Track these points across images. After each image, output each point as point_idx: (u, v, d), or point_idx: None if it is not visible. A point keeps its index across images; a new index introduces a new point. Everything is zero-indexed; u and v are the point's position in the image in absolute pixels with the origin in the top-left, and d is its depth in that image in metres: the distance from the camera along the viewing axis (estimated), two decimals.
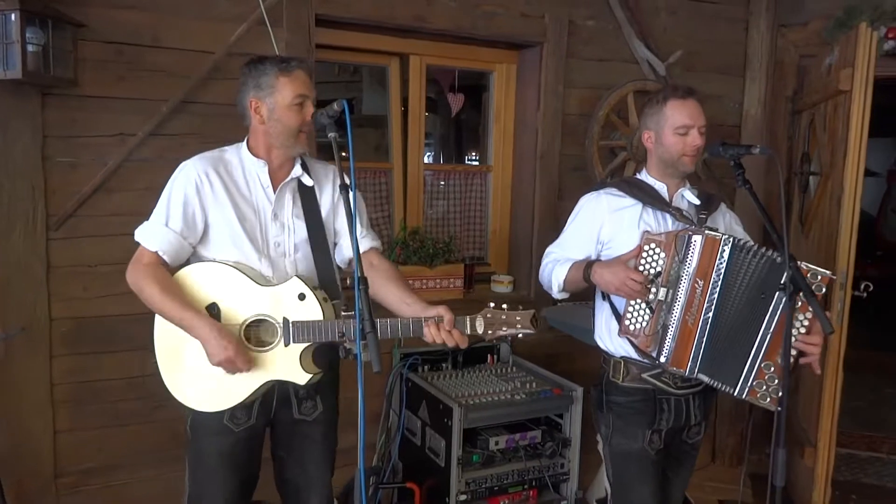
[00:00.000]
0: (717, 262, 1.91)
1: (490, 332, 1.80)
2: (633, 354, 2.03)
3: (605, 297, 2.09)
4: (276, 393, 1.89)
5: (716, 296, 1.91)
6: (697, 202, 2.07)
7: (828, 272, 1.89)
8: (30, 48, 2.18)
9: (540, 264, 2.18)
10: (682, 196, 2.09)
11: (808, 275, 1.86)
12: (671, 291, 1.93)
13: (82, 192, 2.46)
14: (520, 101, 3.43)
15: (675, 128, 2.00)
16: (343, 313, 1.73)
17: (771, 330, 1.89)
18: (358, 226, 2.00)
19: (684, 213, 2.02)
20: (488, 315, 1.80)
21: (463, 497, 2.64)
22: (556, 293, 2.11)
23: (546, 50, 3.22)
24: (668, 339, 1.94)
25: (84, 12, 2.37)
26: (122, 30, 2.45)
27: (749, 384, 1.92)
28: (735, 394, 1.93)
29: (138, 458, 2.63)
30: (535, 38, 3.21)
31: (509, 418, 2.77)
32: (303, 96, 1.82)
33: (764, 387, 1.92)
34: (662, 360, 1.95)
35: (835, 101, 2.98)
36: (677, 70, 3.45)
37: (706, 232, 1.93)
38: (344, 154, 1.67)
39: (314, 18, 2.74)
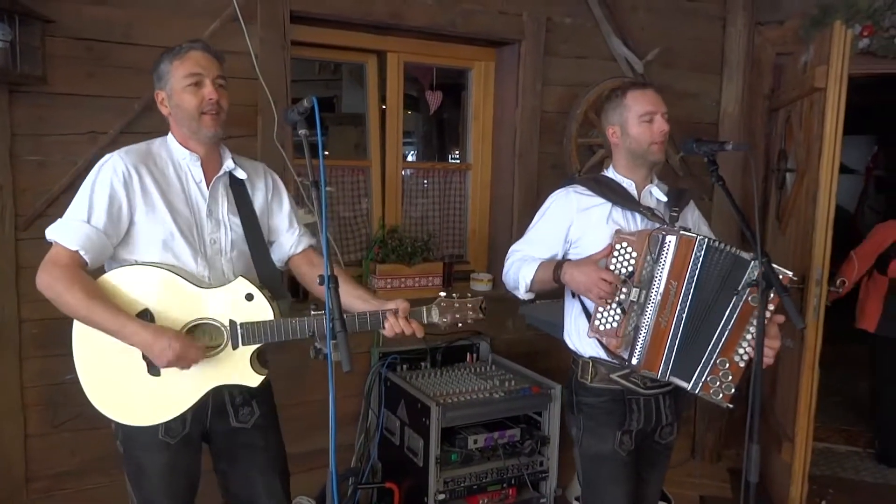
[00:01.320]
0: (692, 263, 1.88)
1: (445, 319, 1.81)
2: (602, 355, 2.00)
3: (575, 295, 2.06)
4: (210, 402, 1.80)
5: (689, 297, 1.89)
6: (665, 199, 2.07)
7: (789, 272, 1.89)
8: None
9: None
10: (651, 193, 2.08)
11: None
12: (644, 292, 1.89)
13: (52, 192, 2.41)
14: (498, 98, 3.42)
15: (639, 116, 1.99)
16: (312, 312, 1.70)
17: (730, 326, 1.89)
18: (295, 223, 1.98)
19: (655, 211, 2.01)
20: (442, 304, 1.81)
21: (442, 496, 2.63)
22: (523, 293, 2.05)
23: (524, 48, 3.22)
24: (639, 341, 1.91)
25: (53, 7, 2.33)
26: (92, 26, 2.41)
27: (703, 379, 1.92)
28: (689, 389, 1.93)
29: (112, 461, 2.57)
30: (513, 36, 3.21)
31: (488, 417, 2.76)
32: (196, 75, 1.73)
33: (717, 382, 1.92)
34: (634, 362, 1.91)
35: (810, 99, 3.00)
36: (655, 67, 3.46)
37: (681, 232, 1.90)
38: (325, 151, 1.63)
39: (289, 15, 2.71)
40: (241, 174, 1.86)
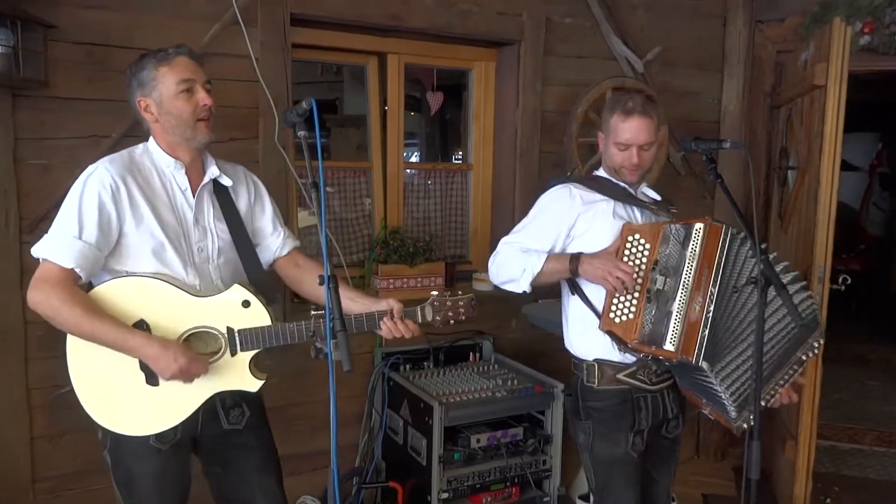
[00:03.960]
0: (720, 250, 1.92)
1: (438, 317, 1.83)
2: (607, 355, 1.99)
3: (576, 292, 2.05)
4: (201, 407, 1.77)
5: (718, 284, 1.90)
6: (658, 198, 2.10)
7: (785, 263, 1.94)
8: None
9: None
10: (644, 193, 2.12)
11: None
12: (670, 280, 1.90)
13: (56, 195, 2.42)
14: (499, 99, 3.43)
15: (616, 143, 2.02)
16: (313, 313, 1.71)
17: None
18: (279, 226, 1.97)
19: (655, 206, 2.05)
20: (435, 303, 1.83)
21: (445, 495, 2.63)
22: (525, 285, 1.99)
23: (524, 48, 3.22)
24: (671, 327, 1.88)
25: (54, 13, 2.34)
26: (92, 30, 2.43)
27: None
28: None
29: None
30: (512, 36, 3.21)
31: (491, 416, 2.77)
32: (188, 81, 1.70)
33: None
34: (670, 347, 1.86)
35: (811, 96, 3.00)
36: (655, 66, 3.46)
37: (710, 220, 1.95)
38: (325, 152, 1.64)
39: (289, 17, 2.72)
40: (226, 181, 1.84)
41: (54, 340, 2.42)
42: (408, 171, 3.50)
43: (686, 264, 1.90)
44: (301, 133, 1.61)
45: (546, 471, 2.84)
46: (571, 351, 2.11)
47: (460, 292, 1.88)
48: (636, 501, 2.04)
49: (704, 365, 1.90)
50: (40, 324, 2.41)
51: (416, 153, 6.70)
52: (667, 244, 1.91)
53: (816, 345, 2.03)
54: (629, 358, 1.99)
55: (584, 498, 3.06)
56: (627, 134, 1.99)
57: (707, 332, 1.89)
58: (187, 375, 1.66)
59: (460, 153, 6.38)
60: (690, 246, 1.91)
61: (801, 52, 3.23)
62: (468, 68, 3.44)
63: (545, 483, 2.87)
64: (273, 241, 1.96)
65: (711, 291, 1.89)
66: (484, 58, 3.39)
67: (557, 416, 2.83)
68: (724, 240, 1.92)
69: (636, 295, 1.90)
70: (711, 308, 1.89)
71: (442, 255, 3.40)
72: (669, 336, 1.88)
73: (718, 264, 1.91)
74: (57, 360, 2.45)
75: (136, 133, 2.47)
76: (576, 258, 1.95)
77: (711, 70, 3.68)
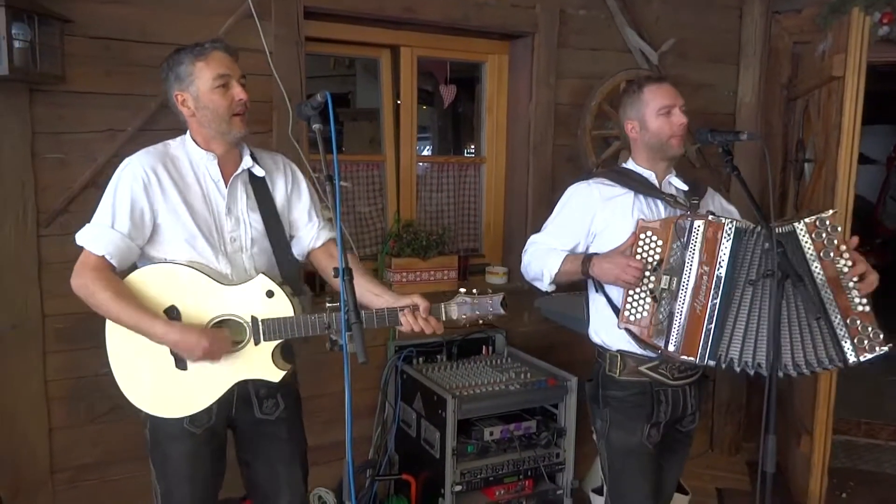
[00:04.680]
0: (722, 245, 1.88)
1: (464, 316, 1.80)
2: (630, 348, 1.99)
3: (600, 289, 2.05)
4: (235, 393, 1.84)
5: (722, 280, 1.87)
6: (686, 188, 2.07)
7: (829, 211, 1.88)
8: (16, 44, 2.17)
9: None
10: (670, 183, 2.09)
11: (817, 222, 1.86)
12: (675, 279, 1.89)
13: (73, 189, 2.45)
14: (512, 91, 3.42)
15: (657, 110, 2.00)
16: (328, 305, 1.72)
17: (829, 293, 1.87)
18: (315, 216, 1.98)
19: (677, 198, 2.02)
20: (460, 300, 1.80)
21: (458, 488, 2.64)
22: (546, 285, 2.04)
23: (537, 40, 3.21)
24: (675, 328, 1.88)
25: (70, 7, 2.35)
26: (109, 24, 2.44)
27: (854, 345, 1.88)
28: (849, 363, 1.87)
29: (134, 453, 2.61)
30: (526, 29, 3.20)
31: (504, 409, 2.77)
32: (224, 76, 1.75)
33: (865, 340, 1.87)
34: (672, 349, 1.88)
35: (828, 88, 2.97)
36: (670, 59, 3.44)
37: (709, 217, 1.90)
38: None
39: (303, 11, 2.72)
40: (259, 171, 1.87)
41: (72, 333, 2.49)
42: (421, 164, 3.50)
43: (687, 262, 1.89)
44: (315, 126, 1.62)
45: (559, 464, 2.85)
46: (595, 340, 2.12)
47: (489, 290, 1.84)
48: (650, 493, 2.04)
49: (713, 364, 1.90)
50: (58, 317, 2.47)
51: (428, 147, 6.70)
52: (677, 241, 1.89)
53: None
54: (651, 352, 1.99)
55: (598, 491, 3.06)
56: (667, 98, 1.99)
57: (713, 330, 1.87)
58: (211, 355, 1.71)
59: (473, 147, 6.38)
60: (691, 244, 1.89)
61: (818, 42, 3.19)
62: (481, 61, 3.43)
63: (558, 476, 2.87)
64: (308, 232, 1.97)
65: (713, 290, 1.87)
66: (497, 50, 3.38)
67: (571, 409, 2.82)
68: (728, 236, 1.88)
69: (654, 294, 1.90)
70: (717, 305, 1.87)
71: (455, 248, 3.40)
72: (672, 337, 1.89)
73: (721, 261, 1.88)
74: (75, 353, 2.51)
75: (152, 127, 2.51)
76: (587, 260, 1.96)
77: (727, 62, 3.64)
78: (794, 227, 1.88)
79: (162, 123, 2.52)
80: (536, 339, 3.32)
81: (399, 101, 3.29)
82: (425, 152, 6.32)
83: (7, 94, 2.31)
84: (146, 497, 2.69)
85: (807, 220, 1.88)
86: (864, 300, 1.89)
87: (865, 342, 1.88)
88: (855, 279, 1.87)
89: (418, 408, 2.83)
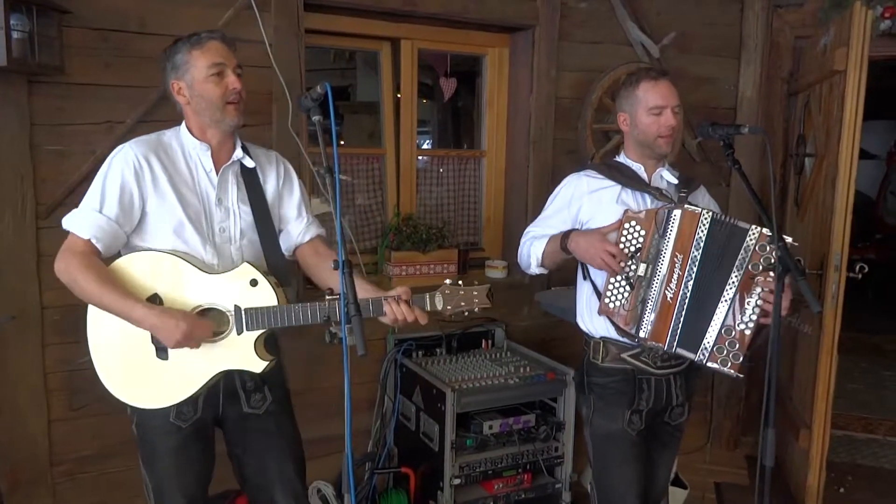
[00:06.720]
0: (697, 235, 1.91)
1: (449, 307, 1.79)
2: (613, 335, 2.03)
3: (586, 276, 2.10)
4: (221, 386, 1.83)
5: (695, 270, 1.92)
6: (676, 181, 2.08)
7: (789, 238, 1.89)
8: (15, 35, 2.16)
9: None
10: (661, 176, 2.10)
11: (769, 238, 1.88)
12: (650, 267, 1.93)
13: (71, 181, 2.44)
14: (513, 85, 3.41)
15: (648, 109, 2.00)
16: (328, 297, 1.71)
17: (732, 296, 1.91)
18: (304, 212, 1.98)
19: (664, 192, 2.04)
20: (446, 291, 1.80)
21: (457, 481, 2.64)
22: (535, 269, 2.11)
23: (538, 33, 3.19)
24: (647, 314, 1.94)
25: None
26: (107, 16, 2.43)
27: (710, 350, 1.93)
28: (696, 359, 1.95)
29: (133, 445, 2.60)
30: (527, 21, 3.18)
31: (503, 402, 2.77)
32: (218, 65, 1.76)
33: (724, 352, 1.92)
34: (642, 334, 1.94)
35: (830, 82, 2.96)
36: (671, 52, 3.42)
37: (686, 206, 1.94)
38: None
39: (303, 2, 2.71)
40: (249, 163, 1.87)
41: (71, 325, 2.47)
42: (421, 157, 3.48)
43: (663, 252, 1.93)
44: (315, 118, 1.62)
45: (558, 457, 2.85)
46: (582, 327, 2.16)
47: (476, 282, 1.83)
48: (635, 479, 2.05)
49: (682, 352, 1.94)
50: (57, 308, 2.47)
51: (427, 141, 6.68)
52: (656, 231, 1.93)
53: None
54: (629, 340, 2.02)
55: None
56: (660, 98, 1.99)
57: (682, 318, 1.92)
58: (192, 340, 1.69)
59: (471, 141, 6.37)
60: (668, 233, 1.93)
61: (820, 37, 3.18)
62: (482, 54, 3.42)
63: (557, 470, 2.87)
64: (296, 227, 1.97)
65: (686, 277, 1.91)
66: (498, 43, 3.37)
67: (569, 402, 2.83)
68: (704, 225, 1.91)
69: (630, 281, 1.94)
70: (688, 293, 1.91)
71: (455, 242, 3.39)
72: (644, 324, 1.94)
73: (696, 250, 1.91)
74: (73, 345, 2.49)
75: (151, 119, 2.50)
76: (567, 234, 1.99)
77: (728, 56, 3.63)
78: (749, 227, 1.91)
79: (161, 115, 2.51)
80: (536, 333, 3.32)
81: (399, 95, 3.28)
82: (425, 146, 6.31)
83: (5, 85, 2.30)
84: (143, 490, 2.70)
85: (764, 230, 1.89)
86: (752, 325, 1.91)
87: (725, 353, 1.92)
88: (759, 302, 1.88)
89: (417, 401, 2.83)
